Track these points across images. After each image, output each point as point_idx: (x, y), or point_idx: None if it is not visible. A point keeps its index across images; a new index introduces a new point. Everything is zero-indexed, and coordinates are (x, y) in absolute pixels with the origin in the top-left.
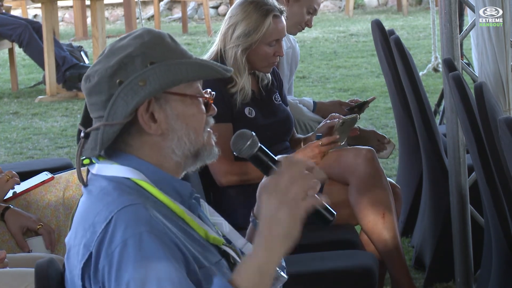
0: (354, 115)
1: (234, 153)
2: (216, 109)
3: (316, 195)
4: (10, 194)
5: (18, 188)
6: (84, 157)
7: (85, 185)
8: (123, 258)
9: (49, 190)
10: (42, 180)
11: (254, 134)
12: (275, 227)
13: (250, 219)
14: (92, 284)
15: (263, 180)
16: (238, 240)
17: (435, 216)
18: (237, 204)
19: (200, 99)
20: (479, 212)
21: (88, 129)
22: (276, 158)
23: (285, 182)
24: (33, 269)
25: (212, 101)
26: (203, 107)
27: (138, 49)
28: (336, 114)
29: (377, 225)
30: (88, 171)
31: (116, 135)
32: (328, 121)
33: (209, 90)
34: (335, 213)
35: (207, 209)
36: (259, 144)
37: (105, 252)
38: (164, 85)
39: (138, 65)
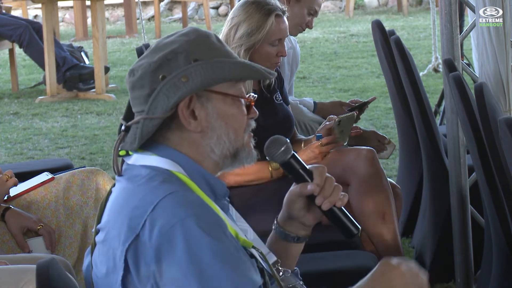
0: (350, 113)
1: (267, 157)
2: (257, 112)
3: (343, 207)
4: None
5: (18, 189)
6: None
7: (120, 174)
8: (173, 241)
9: (49, 190)
10: (42, 181)
11: (288, 141)
12: None
13: (273, 227)
14: (140, 266)
15: (292, 187)
16: (262, 248)
17: (435, 217)
18: (236, 205)
19: (242, 100)
20: (479, 212)
21: (129, 123)
22: (307, 167)
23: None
24: (32, 266)
25: (253, 104)
26: (244, 108)
27: (183, 46)
28: (333, 116)
29: (378, 225)
30: (122, 162)
31: (155, 129)
32: (327, 123)
33: (252, 93)
34: (360, 227)
35: (234, 214)
36: (293, 152)
37: (157, 235)
38: (206, 83)
39: (182, 61)
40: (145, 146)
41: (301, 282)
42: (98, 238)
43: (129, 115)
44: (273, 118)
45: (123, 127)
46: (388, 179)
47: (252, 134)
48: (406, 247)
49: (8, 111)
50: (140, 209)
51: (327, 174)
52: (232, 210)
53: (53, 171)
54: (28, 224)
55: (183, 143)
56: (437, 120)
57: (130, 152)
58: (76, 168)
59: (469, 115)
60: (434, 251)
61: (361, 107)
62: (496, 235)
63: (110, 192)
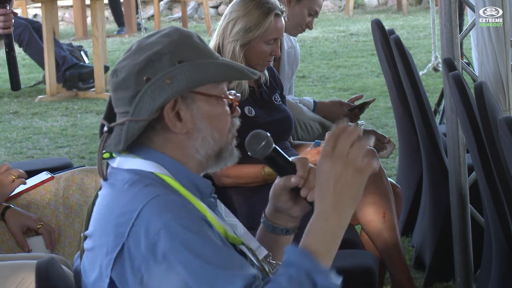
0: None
1: (249, 153)
2: (239, 111)
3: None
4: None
5: (18, 188)
6: (104, 151)
7: (105, 179)
8: (166, 245)
9: (49, 189)
10: (42, 180)
11: (269, 135)
12: (344, 190)
13: (262, 220)
14: (128, 274)
15: (276, 181)
16: (252, 242)
17: (435, 216)
18: (236, 204)
19: (225, 100)
20: (479, 211)
21: (113, 124)
22: (290, 159)
23: (344, 146)
24: (31, 261)
25: (237, 103)
26: (227, 108)
27: (167, 47)
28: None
29: (378, 225)
30: (107, 165)
31: (140, 131)
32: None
33: (233, 91)
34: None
35: (223, 209)
36: (274, 145)
37: (144, 241)
38: (191, 84)
39: (166, 63)
40: (129, 148)
41: None
42: (86, 245)
43: (110, 115)
44: (272, 117)
45: (105, 128)
46: (388, 178)
47: (236, 133)
48: (406, 246)
49: (8, 110)
50: (124, 217)
51: (310, 165)
52: (221, 206)
53: (53, 170)
54: (28, 223)
55: (167, 144)
56: (437, 119)
57: (114, 155)
58: (75, 167)
59: (469, 115)
60: (434, 250)
61: (361, 107)
62: (496, 234)
63: (96, 196)
